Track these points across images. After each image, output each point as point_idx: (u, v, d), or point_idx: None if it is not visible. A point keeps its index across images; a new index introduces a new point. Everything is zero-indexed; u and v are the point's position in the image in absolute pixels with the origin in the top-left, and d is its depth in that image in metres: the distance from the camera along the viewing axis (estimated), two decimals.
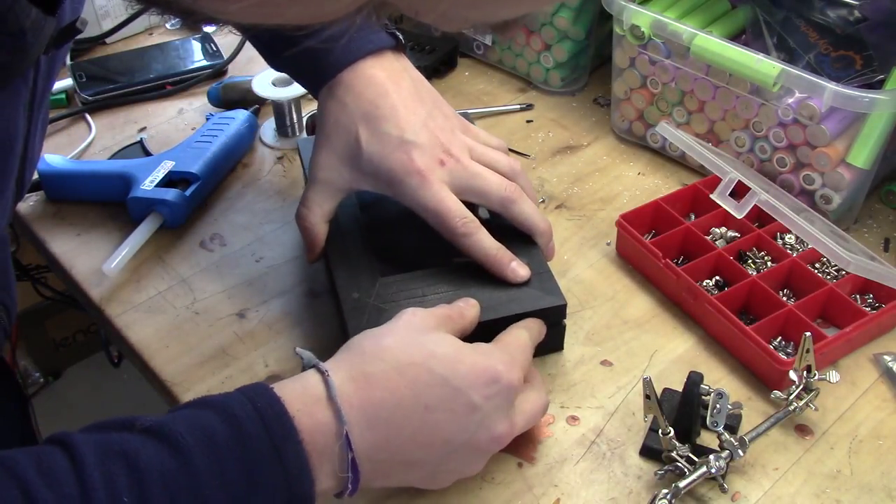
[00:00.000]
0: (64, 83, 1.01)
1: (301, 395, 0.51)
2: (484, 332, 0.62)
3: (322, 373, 0.52)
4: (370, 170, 0.64)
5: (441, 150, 0.64)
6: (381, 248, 0.68)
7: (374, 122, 0.64)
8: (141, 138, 0.92)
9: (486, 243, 0.64)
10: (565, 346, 0.71)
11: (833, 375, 0.64)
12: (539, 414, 0.60)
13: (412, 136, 0.64)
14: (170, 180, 0.83)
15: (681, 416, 0.62)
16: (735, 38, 0.87)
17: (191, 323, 0.73)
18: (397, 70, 0.67)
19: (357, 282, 0.65)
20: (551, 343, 0.68)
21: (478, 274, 0.65)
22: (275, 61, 0.73)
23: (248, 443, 0.47)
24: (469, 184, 0.65)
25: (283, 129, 0.94)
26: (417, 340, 0.55)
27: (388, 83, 0.66)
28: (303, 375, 0.53)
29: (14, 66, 0.51)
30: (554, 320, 0.65)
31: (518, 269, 0.64)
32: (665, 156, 0.93)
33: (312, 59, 0.67)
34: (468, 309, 0.61)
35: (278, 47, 0.70)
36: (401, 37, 0.69)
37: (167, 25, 1.14)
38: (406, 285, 0.64)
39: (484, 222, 0.65)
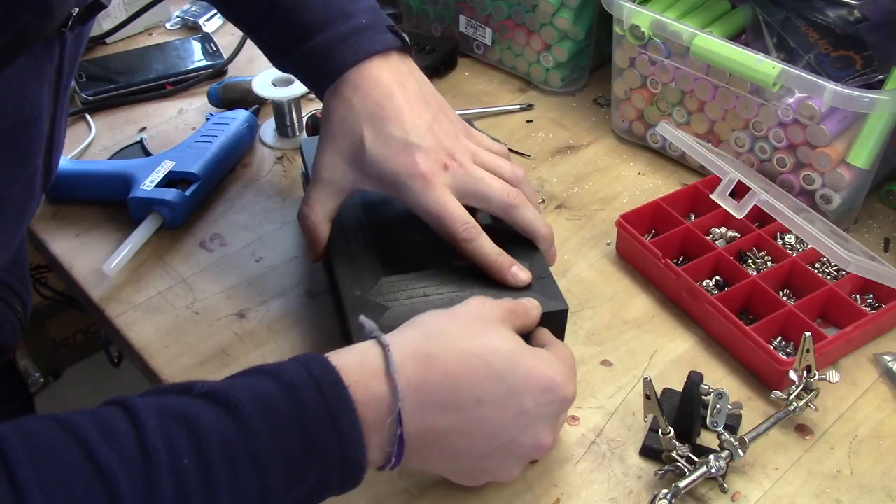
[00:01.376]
0: None
1: (359, 367, 0.51)
2: None
3: (383, 346, 0.52)
4: (374, 171, 0.64)
5: (445, 154, 0.64)
6: (383, 247, 0.68)
7: (379, 124, 0.64)
8: (141, 138, 0.92)
9: (487, 248, 0.64)
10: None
11: (833, 375, 0.64)
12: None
13: (417, 139, 0.64)
14: (170, 180, 0.83)
15: (681, 416, 0.62)
16: (735, 38, 0.87)
17: (191, 323, 0.73)
18: (403, 72, 0.67)
19: (359, 279, 0.65)
20: None
21: (481, 275, 0.65)
22: (280, 62, 0.73)
23: (304, 409, 0.48)
24: (472, 189, 0.65)
25: (283, 129, 0.94)
26: (482, 331, 0.55)
27: (395, 85, 0.66)
28: (362, 346, 0.53)
29: (38, 30, 0.50)
30: (556, 325, 0.65)
31: (519, 273, 0.64)
32: (665, 156, 0.93)
33: (319, 58, 0.67)
34: (533, 309, 0.60)
35: (284, 47, 0.70)
36: (407, 38, 0.69)
37: (167, 25, 1.14)
38: (409, 285, 0.64)
39: (485, 227, 0.65)
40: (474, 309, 0.56)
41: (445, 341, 0.53)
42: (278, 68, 0.75)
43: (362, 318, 0.55)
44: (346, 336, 0.60)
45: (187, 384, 0.48)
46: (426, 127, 0.65)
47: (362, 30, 0.66)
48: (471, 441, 0.53)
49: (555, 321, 0.64)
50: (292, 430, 0.47)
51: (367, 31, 0.66)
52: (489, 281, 0.65)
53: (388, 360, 0.51)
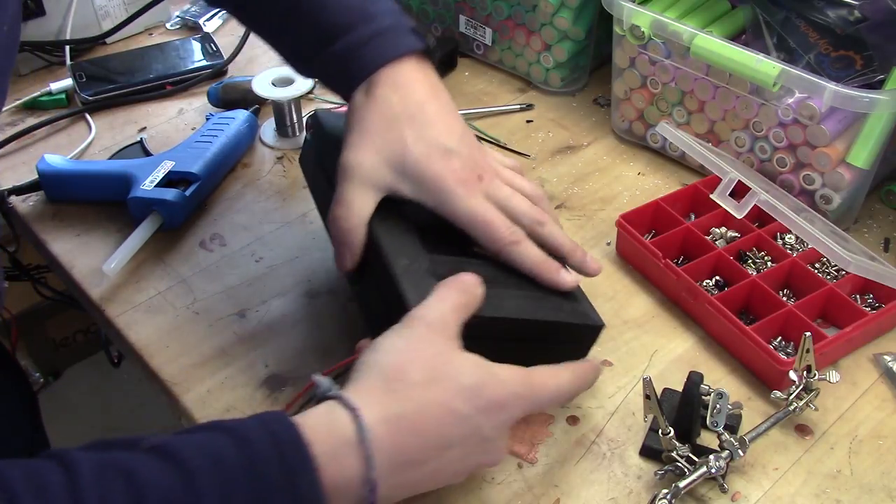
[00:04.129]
0: (64, 83, 1.01)
1: (327, 434, 0.48)
2: (517, 329, 0.60)
3: (352, 410, 0.49)
4: (415, 172, 0.61)
5: (477, 167, 0.63)
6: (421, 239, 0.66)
7: (420, 126, 0.62)
8: (141, 138, 0.92)
9: (533, 251, 0.63)
10: None
11: (833, 375, 0.64)
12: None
13: (456, 145, 0.62)
14: (170, 180, 0.83)
15: (681, 416, 0.62)
16: (735, 38, 0.87)
17: (191, 323, 0.73)
18: (432, 77, 0.65)
19: (405, 252, 0.61)
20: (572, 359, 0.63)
21: (522, 273, 0.64)
22: (305, 66, 0.70)
23: (258, 466, 0.45)
24: (503, 203, 0.63)
25: (283, 129, 0.94)
26: (443, 370, 0.52)
27: (430, 88, 0.64)
28: (326, 409, 0.49)
29: None
30: (587, 341, 0.65)
31: (567, 276, 0.64)
32: (665, 156, 0.93)
33: (346, 59, 0.64)
34: (474, 285, 0.57)
35: (308, 52, 0.68)
36: (427, 42, 0.67)
37: (167, 25, 1.14)
38: (455, 267, 0.61)
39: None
40: (425, 336, 0.53)
41: (410, 396, 0.50)
42: (302, 73, 0.73)
43: (317, 376, 0.52)
44: (398, 305, 0.57)
45: (135, 438, 0.46)
46: (460, 135, 0.63)
47: (389, 30, 0.64)
48: (438, 479, 0.53)
49: (588, 335, 0.65)
50: (243, 488, 0.44)
51: (394, 32, 0.64)
52: (530, 279, 0.64)
53: (360, 427, 0.48)
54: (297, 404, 0.55)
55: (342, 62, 0.65)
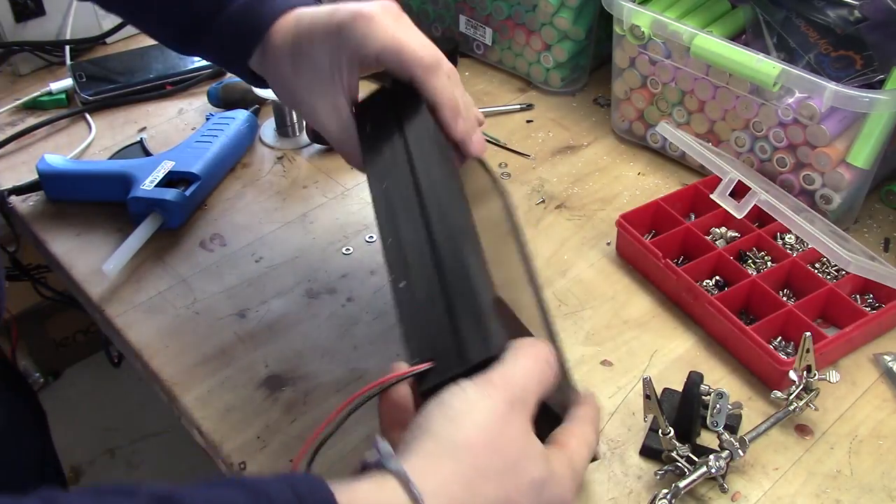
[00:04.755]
0: (64, 83, 1.01)
1: None
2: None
3: (414, 498, 0.41)
4: (332, 24, 0.60)
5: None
6: None
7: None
8: (141, 138, 0.92)
9: (453, 89, 0.59)
10: (565, 346, 0.70)
11: (833, 375, 0.64)
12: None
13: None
14: (170, 180, 0.83)
15: (681, 416, 0.62)
16: (735, 38, 0.87)
17: (191, 323, 0.73)
18: None
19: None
20: None
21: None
22: (194, 39, 0.66)
23: None
24: (403, 34, 0.60)
25: (283, 129, 0.94)
26: (520, 463, 0.44)
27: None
28: (381, 486, 0.41)
29: None
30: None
31: (479, 138, 0.60)
32: (665, 156, 0.93)
33: (245, 14, 0.63)
34: (552, 363, 0.48)
35: (202, 19, 0.64)
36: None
37: None
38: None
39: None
40: (509, 406, 0.45)
41: (483, 485, 0.43)
42: (187, 51, 0.69)
43: (380, 440, 0.43)
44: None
45: (134, 485, 0.40)
46: None
47: None
48: None
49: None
50: None
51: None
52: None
53: None
54: (317, 440, 0.47)
55: (240, 23, 0.63)
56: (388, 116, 0.60)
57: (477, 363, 0.45)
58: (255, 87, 0.67)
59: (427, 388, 0.45)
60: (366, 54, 0.59)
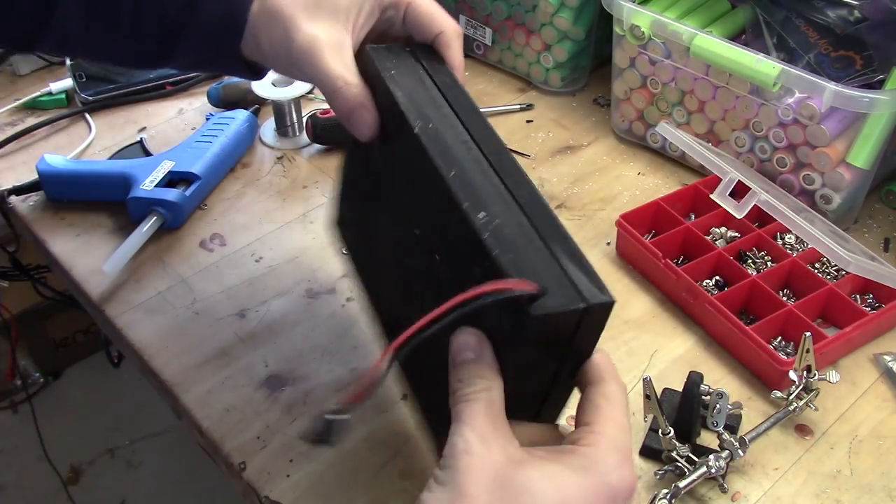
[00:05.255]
0: (64, 83, 1.01)
1: None
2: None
3: None
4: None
5: None
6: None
7: None
8: (141, 138, 0.92)
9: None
10: None
11: (833, 375, 0.64)
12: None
13: None
14: (170, 180, 0.83)
15: (681, 416, 0.62)
16: (735, 38, 0.87)
17: (191, 323, 0.73)
18: None
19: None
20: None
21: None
22: (165, 57, 0.62)
23: None
24: None
25: (283, 129, 0.94)
26: None
27: None
28: None
29: None
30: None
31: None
32: (665, 156, 0.93)
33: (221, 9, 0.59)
34: (473, 379, 0.43)
35: (174, 25, 0.60)
36: None
37: None
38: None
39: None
40: (483, 486, 0.40)
41: None
42: (163, 62, 0.63)
43: None
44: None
45: None
46: None
47: None
48: None
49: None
50: None
51: None
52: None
53: None
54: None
55: (217, 18, 0.59)
56: (411, 62, 0.58)
57: (598, 304, 0.41)
58: (247, 77, 0.65)
59: (543, 314, 0.40)
60: (394, 1, 0.58)
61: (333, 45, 0.56)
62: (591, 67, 1.04)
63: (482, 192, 0.46)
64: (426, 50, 0.59)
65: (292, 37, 0.57)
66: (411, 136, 0.50)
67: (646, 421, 0.65)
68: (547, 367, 0.45)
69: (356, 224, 0.65)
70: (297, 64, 0.57)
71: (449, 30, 0.59)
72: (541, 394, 0.46)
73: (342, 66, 0.56)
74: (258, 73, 0.64)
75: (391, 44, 0.59)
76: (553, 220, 0.45)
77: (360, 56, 0.58)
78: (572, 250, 0.43)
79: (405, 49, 0.58)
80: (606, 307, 0.42)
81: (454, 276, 0.47)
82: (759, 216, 0.78)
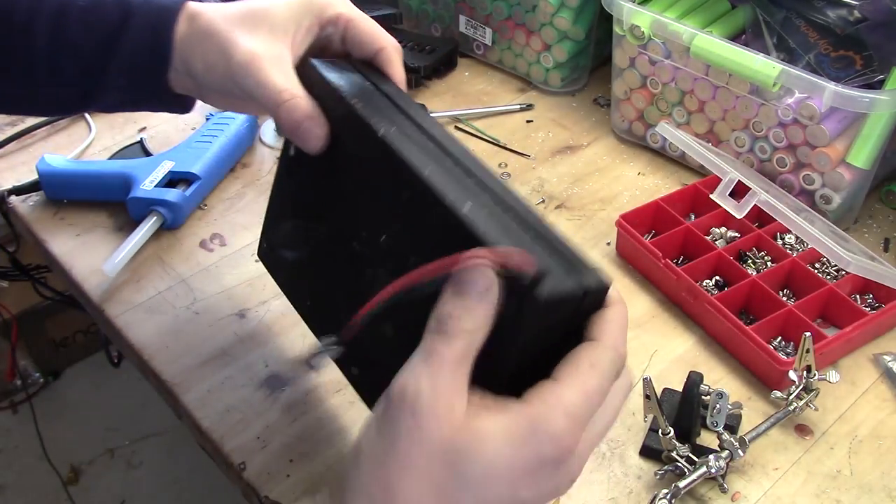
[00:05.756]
0: None
1: None
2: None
3: None
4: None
5: None
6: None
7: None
8: (141, 138, 0.92)
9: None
10: None
11: (833, 375, 0.64)
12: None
13: None
14: (170, 180, 0.83)
15: (681, 416, 0.62)
16: (735, 38, 0.87)
17: (191, 323, 0.73)
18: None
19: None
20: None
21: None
22: (89, 100, 0.60)
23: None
24: None
25: None
26: (452, 486, 0.39)
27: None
28: None
29: None
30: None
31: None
32: (665, 156, 0.93)
33: (152, 23, 0.58)
34: (466, 316, 0.40)
35: (102, 48, 0.58)
36: None
37: None
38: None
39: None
40: (419, 437, 0.39)
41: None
42: (86, 105, 0.62)
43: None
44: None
45: None
46: None
47: None
48: None
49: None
50: None
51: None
52: None
53: None
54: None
55: (149, 30, 0.58)
56: (356, 74, 0.58)
57: (596, 286, 0.41)
58: (175, 111, 0.63)
59: (548, 296, 0.39)
60: (333, 18, 0.58)
61: (274, 59, 0.56)
62: (591, 67, 1.04)
63: (462, 185, 0.46)
64: (367, 65, 0.60)
65: (230, 53, 0.56)
66: (374, 140, 0.50)
67: (646, 421, 0.65)
68: (543, 346, 0.43)
69: (288, 248, 0.64)
70: (236, 79, 0.56)
71: (389, 47, 0.59)
72: (538, 371, 0.44)
73: (285, 79, 0.55)
74: (187, 107, 0.64)
75: (332, 58, 0.59)
76: (532, 211, 0.45)
77: (302, 71, 0.57)
78: (558, 236, 0.43)
79: (347, 63, 0.59)
80: (605, 288, 0.42)
81: None
82: (759, 216, 0.78)
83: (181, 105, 0.63)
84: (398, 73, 0.59)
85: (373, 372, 0.53)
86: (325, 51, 0.61)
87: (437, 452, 0.39)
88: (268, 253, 0.66)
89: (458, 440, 0.39)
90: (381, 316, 0.43)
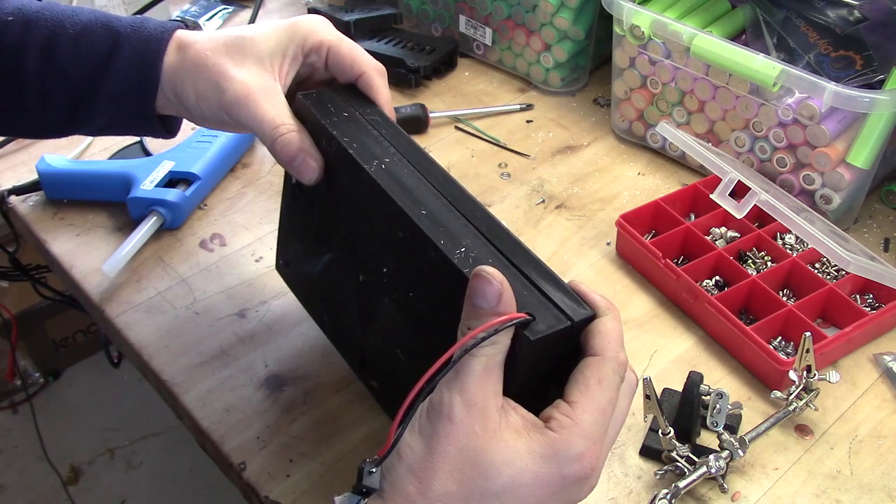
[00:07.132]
0: None
1: None
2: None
3: None
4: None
5: None
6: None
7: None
8: (141, 138, 0.92)
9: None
10: None
11: (833, 375, 0.64)
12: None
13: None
14: (170, 180, 0.83)
15: (681, 416, 0.62)
16: (735, 38, 0.87)
17: (191, 323, 0.73)
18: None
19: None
20: None
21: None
22: (76, 123, 0.62)
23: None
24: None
25: None
26: (480, 488, 0.42)
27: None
28: None
29: None
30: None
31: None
32: (665, 156, 0.93)
33: (140, 55, 0.59)
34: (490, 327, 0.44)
35: (90, 79, 0.59)
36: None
37: None
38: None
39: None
40: (455, 441, 0.43)
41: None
42: (74, 128, 0.62)
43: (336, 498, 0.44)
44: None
45: None
46: None
47: (142, 23, 0.60)
48: None
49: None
50: None
51: (144, 24, 0.60)
52: None
53: None
54: None
55: (137, 60, 0.59)
56: (343, 106, 0.59)
57: (580, 321, 0.46)
58: (161, 136, 0.64)
59: (539, 337, 0.44)
60: (316, 46, 0.60)
61: (266, 92, 0.57)
62: (591, 67, 1.04)
63: (451, 228, 0.50)
64: (352, 90, 0.61)
65: (222, 87, 0.57)
66: (363, 177, 0.53)
67: (646, 421, 0.65)
68: (542, 377, 0.48)
69: (302, 266, 0.67)
70: (230, 112, 0.57)
71: (370, 70, 0.61)
72: (538, 397, 0.48)
73: (278, 113, 0.57)
74: (172, 131, 0.65)
75: (318, 89, 0.61)
76: (519, 246, 0.50)
77: (292, 105, 0.59)
78: (545, 272, 0.48)
79: (333, 93, 0.60)
80: (589, 320, 0.47)
81: (435, 310, 0.51)
82: (759, 216, 0.78)
83: (167, 131, 0.64)
84: (382, 96, 0.61)
85: (390, 385, 0.58)
86: (310, 77, 0.63)
87: (471, 455, 0.42)
88: (284, 269, 0.70)
89: (490, 449, 0.43)
90: (393, 341, 0.51)
